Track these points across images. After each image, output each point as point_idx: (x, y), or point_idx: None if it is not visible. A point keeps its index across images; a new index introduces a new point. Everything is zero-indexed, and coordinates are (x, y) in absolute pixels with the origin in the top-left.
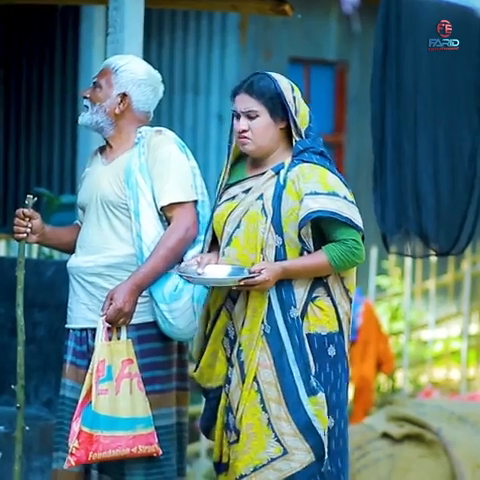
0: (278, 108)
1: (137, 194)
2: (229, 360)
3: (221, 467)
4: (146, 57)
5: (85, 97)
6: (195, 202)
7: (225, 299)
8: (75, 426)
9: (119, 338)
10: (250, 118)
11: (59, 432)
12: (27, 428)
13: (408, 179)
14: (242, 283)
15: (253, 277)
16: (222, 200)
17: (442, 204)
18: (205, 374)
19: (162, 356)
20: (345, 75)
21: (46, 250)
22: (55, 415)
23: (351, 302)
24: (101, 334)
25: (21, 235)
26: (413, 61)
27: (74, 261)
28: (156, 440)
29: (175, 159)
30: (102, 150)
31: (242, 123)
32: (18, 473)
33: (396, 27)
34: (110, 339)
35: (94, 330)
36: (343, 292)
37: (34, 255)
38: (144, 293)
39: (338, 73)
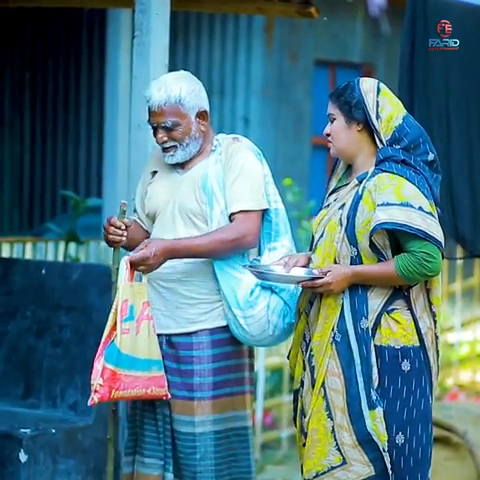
0: (355, 111)
1: (212, 201)
2: (304, 363)
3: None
4: (172, 60)
5: (164, 142)
6: (265, 211)
7: (306, 303)
8: (98, 364)
9: (140, 280)
10: (331, 121)
11: (132, 436)
12: (53, 431)
13: (442, 181)
14: (303, 284)
15: (315, 279)
16: (322, 206)
17: (478, 205)
18: (294, 376)
19: (234, 360)
20: (371, 77)
21: (72, 253)
22: (129, 419)
23: (435, 316)
24: (125, 274)
25: (116, 244)
26: (442, 62)
27: None
28: (166, 383)
29: (249, 167)
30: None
31: (327, 127)
32: (111, 473)
33: (423, 28)
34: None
35: (169, 336)
36: (426, 305)
37: (60, 258)
38: (218, 297)
39: (364, 75)
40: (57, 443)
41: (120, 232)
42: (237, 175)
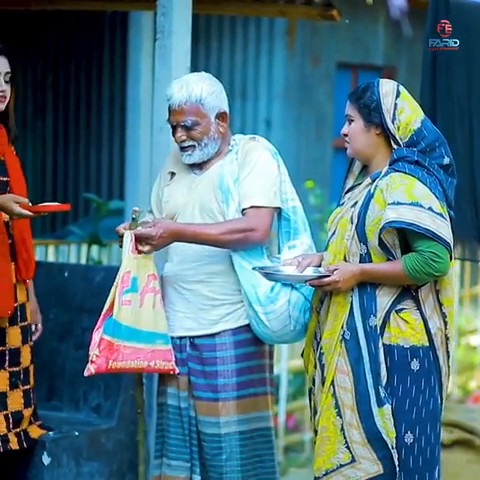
0: (374, 115)
1: (228, 198)
2: (315, 361)
3: None
4: (194, 62)
5: (182, 141)
6: (278, 210)
7: (318, 301)
8: (96, 336)
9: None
10: (349, 122)
11: (159, 439)
12: (76, 433)
13: (465, 184)
14: (311, 283)
15: (322, 277)
16: (338, 204)
17: None
18: (308, 374)
19: (256, 360)
20: (393, 79)
21: (95, 256)
22: (156, 422)
23: (445, 317)
24: (129, 246)
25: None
26: (465, 65)
27: (171, 269)
28: (173, 358)
29: (263, 165)
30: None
31: (344, 127)
32: (142, 474)
33: (445, 31)
34: (138, 253)
35: (192, 338)
36: (436, 306)
37: (83, 261)
38: (240, 298)
39: (386, 77)
40: (80, 446)
41: None
42: (250, 172)
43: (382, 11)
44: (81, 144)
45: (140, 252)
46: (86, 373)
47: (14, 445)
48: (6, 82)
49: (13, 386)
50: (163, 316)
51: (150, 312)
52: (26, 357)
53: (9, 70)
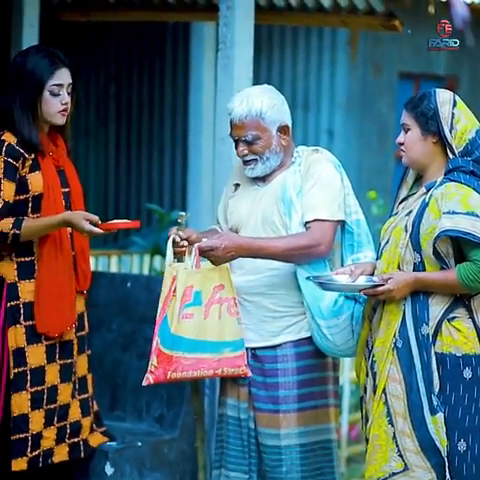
0: (431, 124)
1: (290, 210)
2: (366, 370)
3: None
4: (256, 73)
5: (244, 155)
6: (341, 222)
7: (370, 310)
8: (154, 344)
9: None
10: (405, 131)
11: (219, 450)
12: (139, 444)
13: None
14: (365, 292)
15: (376, 286)
16: (391, 214)
17: None
18: (360, 383)
19: (318, 372)
20: (455, 90)
21: (157, 266)
22: (216, 433)
23: None
24: (193, 261)
25: (179, 255)
26: None
27: (235, 281)
28: (244, 362)
29: (326, 177)
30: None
31: (400, 136)
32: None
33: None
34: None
35: (254, 349)
36: None
37: (145, 271)
38: (302, 310)
39: (448, 87)
40: (143, 456)
41: (181, 243)
42: (314, 184)
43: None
44: (143, 154)
45: (200, 265)
46: (145, 383)
47: (60, 457)
48: (68, 94)
49: (72, 396)
50: (233, 324)
51: (215, 323)
52: (82, 366)
53: (71, 81)
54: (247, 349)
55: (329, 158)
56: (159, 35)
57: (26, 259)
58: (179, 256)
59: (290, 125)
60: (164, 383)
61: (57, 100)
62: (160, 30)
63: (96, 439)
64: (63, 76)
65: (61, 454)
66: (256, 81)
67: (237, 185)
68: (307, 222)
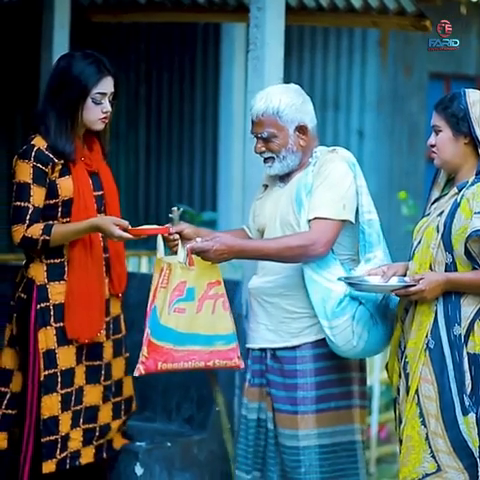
0: (462, 124)
1: (300, 209)
2: (399, 371)
3: None
4: (286, 74)
5: (262, 152)
6: (347, 222)
7: (402, 311)
8: (145, 335)
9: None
10: (436, 133)
11: (237, 451)
12: (169, 444)
13: None
14: (397, 293)
15: (408, 287)
16: (424, 215)
17: None
18: (392, 384)
19: (337, 374)
20: None
21: None
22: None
23: None
24: (185, 258)
25: (173, 249)
26: None
27: (255, 282)
28: (237, 355)
29: (335, 176)
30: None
31: (431, 137)
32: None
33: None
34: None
35: (274, 350)
36: None
37: None
38: (312, 312)
39: (478, 88)
40: (173, 456)
41: (171, 237)
42: (321, 183)
43: (475, 21)
44: (174, 155)
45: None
46: (136, 373)
47: (87, 459)
48: (109, 102)
49: (105, 400)
50: (226, 318)
51: (208, 317)
52: (119, 369)
53: (113, 90)
54: (267, 350)
55: (344, 157)
56: (189, 36)
57: (56, 261)
58: (171, 250)
59: (311, 126)
60: (156, 373)
61: (98, 108)
62: (190, 31)
63: (119, 440)
64: (107, 85)
65: (88, 456)
66: (287, 82)
67: (266, 186)
68: (309, 220)
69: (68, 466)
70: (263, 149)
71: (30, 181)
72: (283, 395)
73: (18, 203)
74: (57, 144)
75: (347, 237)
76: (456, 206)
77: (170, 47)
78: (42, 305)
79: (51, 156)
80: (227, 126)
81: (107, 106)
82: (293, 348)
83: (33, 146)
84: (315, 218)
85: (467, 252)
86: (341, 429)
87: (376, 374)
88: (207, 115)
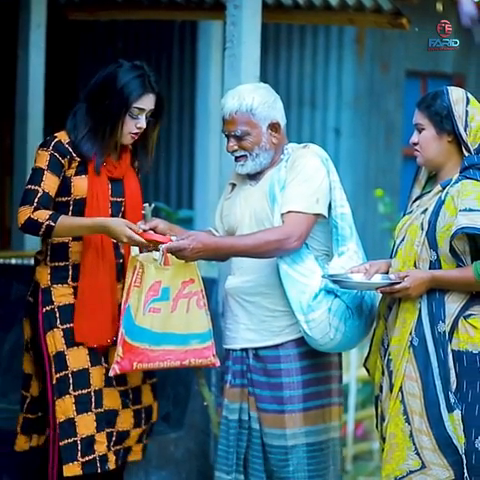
0: (446, 122)
1: (274, 205)
2: (382, 368)
3: None
4: (263, 71)
5: (234, 151)
6: (320, 216)
7: (385, 308)
8: (119, 335)
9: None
10: (419, 131)
11: (218, 452)
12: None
13: None
14: (382, 290)
15: (393, 284)
16: (405, 213)
17: None
18: (375, 382)
19: (323, 372)
20: (462, 88)
21: None
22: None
23: None
24: (161, 258)
25: (141, 248)
26: None
27: (232, 282)
28: (213, 353)
29: (308, 171)
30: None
31: (414, 136)
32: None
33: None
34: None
35: (256, 349)
36: None
37: None
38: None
39: (455, 85)
40: (149, 454)
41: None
42: (294, 178)
43: (452, 18)
44: None
45: (169, 262)
46: (111, 373)
47: (112, 464)
48: (146, 118)
49: (124, 405)
50: (201, 316)
51: (182, 316)
52: (136, 376)
53: (153, 108)
54: (248, 350)
55: (316, 152)
56: (166, 34)
57: (60, 264)
58: (141, 249)
59: (282, 124)
60: (131, 372)
61: (133, 122)
62: (167, 29)
63: (136, 453)
64: (148, 102)
65: (112, 461)
66: (263, 80)
67: (234, 185)
68: (282, 214)
69: (99, 470)
70: (235, 147)
71: (45, 167)
72: (268, 394)
73: (29, 186)
74: (80, 145)
75: (321, 232)
76: (441, 204)
77: (147, 45)
78: (47, 308)
79: (70, 150)
80: (203, 124)
81: (142, 122)
82: (276, 347)
83: (55, 137)
84: (288, 212)
85: (452, 250)
86: (326, 427)
87: (352, 372)
88: (184, 113)
